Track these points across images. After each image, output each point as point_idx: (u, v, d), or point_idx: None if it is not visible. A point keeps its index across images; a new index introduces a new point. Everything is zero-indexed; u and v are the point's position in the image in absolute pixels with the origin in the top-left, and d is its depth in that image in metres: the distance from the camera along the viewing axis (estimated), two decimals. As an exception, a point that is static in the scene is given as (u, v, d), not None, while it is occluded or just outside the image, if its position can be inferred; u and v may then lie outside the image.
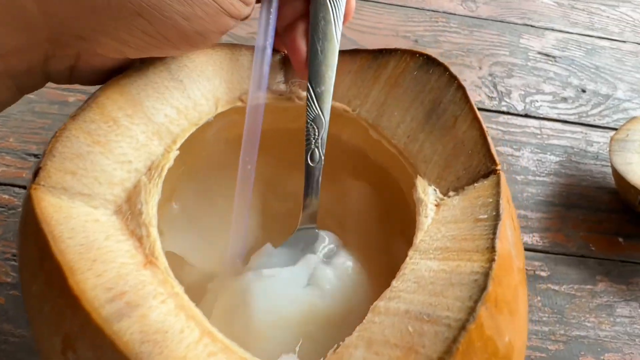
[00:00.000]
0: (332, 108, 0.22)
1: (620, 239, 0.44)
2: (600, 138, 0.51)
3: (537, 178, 0.47)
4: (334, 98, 0.22)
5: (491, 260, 0.15)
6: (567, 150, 0.50)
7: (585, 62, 0.59)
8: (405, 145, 0.21)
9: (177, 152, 0.19)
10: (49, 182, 0.16)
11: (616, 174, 0.42)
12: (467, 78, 0.54)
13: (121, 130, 0.18)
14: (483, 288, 0.14)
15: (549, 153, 0.49)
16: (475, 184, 0.18)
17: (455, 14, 0.60)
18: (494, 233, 0.15)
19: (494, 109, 0.52)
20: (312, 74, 0.21)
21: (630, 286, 0.41)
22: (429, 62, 0.21)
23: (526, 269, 0.41)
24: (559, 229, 0.44)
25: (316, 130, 0.21)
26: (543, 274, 0.41)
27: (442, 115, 0.20)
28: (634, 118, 0.46)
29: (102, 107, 0.18)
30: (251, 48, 0.22)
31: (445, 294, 0.14)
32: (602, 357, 0.37)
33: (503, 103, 0.53)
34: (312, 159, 0.21)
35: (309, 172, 0.21)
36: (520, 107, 0.53)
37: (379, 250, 0.23)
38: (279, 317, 0.17)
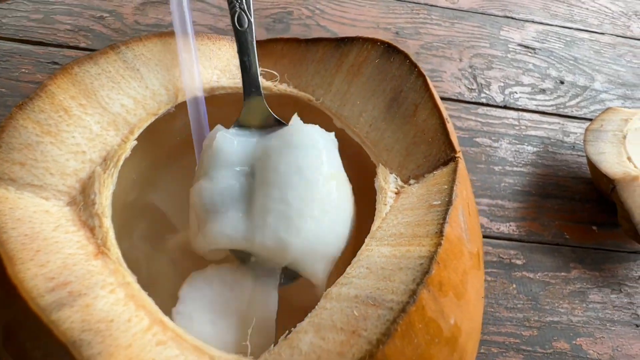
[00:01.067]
0: (297, 98, 0.22)
1: (594, 228, 0.45)
2: (577, 129, 0.52)
3: (515, 168, 0.48)
4: (298, 87, 0.22)
5: (438, 244, 0.15)
6: (544, 141, 0.50)
7: (564, 53, 0.59)
8: (367, 133, 0.20)
9: (135, 142, 0.19)
10: None
11: (590, 163, 0.43)
12: (448, 70, 0.54)
13: (73, 120, 0.17)
14: (426, 271, 0.14)
15: (526, 144, 0.50)
16: (435, 172, 0.18)
17: (436, 6, 0.60)
18: (444, 218, 0.15)
19: (473, 100, 0.52)
20: None
21: (603, 273, 0.42)
22: (390, 50, 0.21)
23: (502, 258, 0.42)
24: (534, 218, 0.45)
25: None
26: (518, 262, 0.42)
27: (403, 104, 0.20)
28: (608, 109, 0.47)
29: (52, 97, 0.17)
30: (213, 37, 0.22)
31: (393, 278, 0.14)
32: (574, 342, 0.38)
33: (482, 95, 0.53)
34: (240, 24, 0.20)
35: (240, 37, 0.21)
36: (499, 99, 0.53)
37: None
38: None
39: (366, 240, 0.17)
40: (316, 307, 0.15)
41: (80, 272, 0.14)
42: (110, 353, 0.13)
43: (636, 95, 0.57)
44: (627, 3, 0.66)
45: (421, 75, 0.20)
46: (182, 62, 0.19)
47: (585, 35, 0.61)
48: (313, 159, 0.18)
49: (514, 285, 0.40)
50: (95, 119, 0.18)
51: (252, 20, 0.20)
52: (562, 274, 0.42)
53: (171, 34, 0.21)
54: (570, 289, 0.41)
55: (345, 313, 0.14)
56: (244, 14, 0.20)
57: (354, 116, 0.21)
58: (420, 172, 0.19)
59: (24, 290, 0.13)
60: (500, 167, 0.47)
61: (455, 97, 0.52)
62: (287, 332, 0.15)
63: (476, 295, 0.17)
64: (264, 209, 0.17)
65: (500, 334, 0.38)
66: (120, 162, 0.18)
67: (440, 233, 0.15)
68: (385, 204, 0.18)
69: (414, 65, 0.20)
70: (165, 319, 0.15)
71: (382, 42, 0.21)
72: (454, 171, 0.17)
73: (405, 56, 0.21)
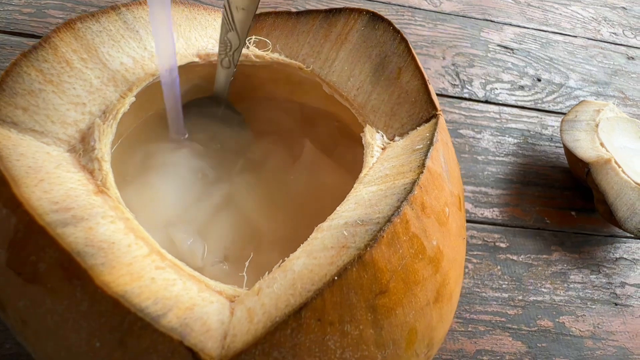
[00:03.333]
0: (288, 67, 0.23)
1: (573, 213, 0.47)
2: (554, 122, 0.55)
3: (497, 158, 0.50)
4: (290, 56, 0.23)
5: (420, 172, 0.16)
6: (524, 133, 0.53)
7: (540, 54, 0.62)
8: (355, 97, 0.22)
9: (134, 98, 0.19)
10: None
11: (567, 150, 0.45)
12: (432, 67, 0.56)
13: (74, 72, 0.18)
14: (409, 191, 0.15)
15: (507, 135, 0.52)
16: (418, 128, 0.20)
17: (420, 9, 0.63)
18: (426, 154, 0.17)
19: (456, 95, 0.55)
20: None
21: (582, 255, 0.44)
22: (375, 18, 0.23)
23: (486, 241, 0.43)
24: (517, 204, 0.46)
25: (230, 45, 0.21)
26: (502, 245, 0.43)
27: (388, 67, 0.21)
28: (582, 101, 0.50)
29: (55, 48, 0.18)
30: (209, 8, 0.23)
31: (379, 204, 0.15)
32: (557, 320, 0.39)
33: (465, 90, 0.56)
34: (222, 65, 0.22)
35: (219, 73, 0.23)
36: (481, 94, 0.56)
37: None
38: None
39: (354, 185, 0.18)
40: (308, 239, 0.16)
41: (82, 202, 0.15)
42: (112, 266, 0.13)
43: (607, 92, 0.60)
44: (597, 9, 0.70)
45: (404, 40, 0.22)
46: (155, 30, 0.20)
47: (560, 37, 0.65)
48: None
49: (499, 267, 0.42)
50: (95, 74, 0.19)
51: (235, 67, 0.23)
52: (544, 256, 0.43)
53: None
54: (552, 270, 0.42)
55: (336, 236, 0.15)
56: (230, 61, 0.22)
57: (342, 81, 0.22)
58: (404, 130, 0.20)
59: (30, 207, 0.13)
60: (483, 157, 0.49)
61: (439, 92, 0.54)
62: (280, 261, 0.16)
63: (457, 231, 0.18)
64: None
65: (486, 313, 0.39)
66: (119, 116, 0.18)
67: (422, 165, 0.16)
68: (372, 157, 0.19)
69: (397, 32, 0.22)
70: (163, 251, 0.15)
71: (368, 11, 0.23)
72: (436, 124, 0.19)
73: (389, 23, 0.22)
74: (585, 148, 0.43)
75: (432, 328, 0.16)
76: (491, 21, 0.65)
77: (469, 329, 0.38)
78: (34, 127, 0.16)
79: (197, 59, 0.22)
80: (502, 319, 0.39)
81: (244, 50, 0.23)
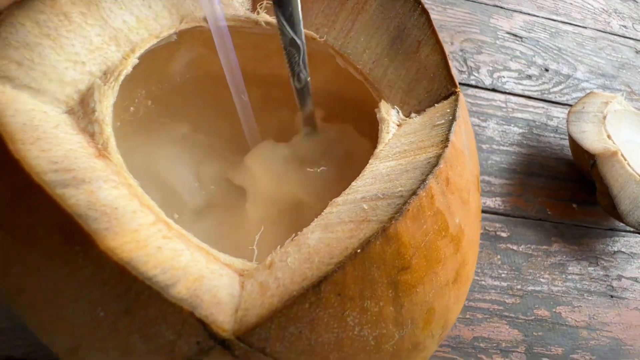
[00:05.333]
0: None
1: (574, 205, 0.47)
2: (559, 114, 0.54)
3: (501, 147, 0.49)
4: (303, 26, 0.22)
5: (444, 147, 0.15)
6: (530, 124, 0.52)
7: (549, 43, 0.61)
8: (370, 70, 0.21)
9: (137, 60, 0.18)
10: None
11: (572, 142, 0.45)
12: (439, 51, 0.55)
13: (73, 27, 0.17)
14: (435, 164, 0.14)
15: (512, 125, 0.52)
16: (436, 105, 0.19)
17: (429, -9, 0.61)
18: (449, 129, 0.16)
19: (463, 82, 0.54)
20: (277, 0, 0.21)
21: (581, 247, 0.44)
22: None
23: (488, 230, 0.43)
24: (519, 195, 0.46)
25: (295, 54, 0.21)
26: (503, 234, 0.43)
27: (406, 40, 0.20)
28: (590, 93, 0.49)
29: None
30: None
31: (400, 179, 0.15)
32: (554, 310, 0.39)
33: (472, 77, 0.55)
34: (298, 81, 0.22)
35: (298, 92, 0.23)
36: (487, 82, 0.55)
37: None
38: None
39: (370, 160, 0.17)
40: (322, 213, 0.15)
41: (83, 165, 0.14)
42: (116, 232, 0.12)
43: (614, 85, 0.60)
44: (608, 1, 0.69)
45: (425, 12, 0.21)
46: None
47: (569, 27, 0.64)
48: None
49: (499, 256, 0.42)
50: (96, 31, 0.18)
51: (308, 78, 0.22)
52: (544, 247, 0.43)
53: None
54: (551, 261, 0.43)
55: (354, 210, 0.14)
56: (301, 73, 0.22)
57: (357, 53, 0.21)
58: (421, 107, 0.19)
59: (27, 165, 0.12)
60: (487, 146, 0.49)
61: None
62: (293, 235, 0.15)
63: (476, 211, 0.17)
64: None
65: (485, 301, 0.39)
66: (121, 77, 0.17)
67: (446, 140, 0.15)
68: (388, 132, 0.18)
69: (418, 3, 0.21)
70: (170, 220, 0.14)
71: None
72: (456, 100, 0.18)
73: None
74: (592, 140, 0.43)
75: (449, 309, 0.15)
76: (501, 7, 0.63)
77: (467, 316, 0.38)
78: (29, 83, 0.15)
79: (204, 24, 0.21)
80: (500, 308, 0.39)
81: (253, 16, 0.22)
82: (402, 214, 0.13)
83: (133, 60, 0.18)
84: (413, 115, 0.19)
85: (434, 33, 0.20)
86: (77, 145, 0.14)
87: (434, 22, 0.66)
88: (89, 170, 0.13)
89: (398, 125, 0.19)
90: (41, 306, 0.13)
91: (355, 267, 0.12)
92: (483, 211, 0.45)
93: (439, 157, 0.15)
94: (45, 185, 0.12)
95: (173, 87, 0.25)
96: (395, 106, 0.20)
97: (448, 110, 0.17)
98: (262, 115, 0.24)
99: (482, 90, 0.53)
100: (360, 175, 0.16)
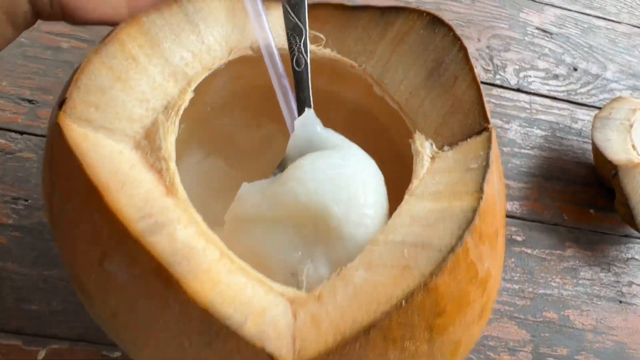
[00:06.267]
0: (339, 63, 0.23)
1: (592, 211, 0.47)
2: (585, 116, 0.54)
3: (522, 150, 0.50)
4: (341, 52, 0.23)
5: (479, 199, 0.17)
6: (553, 126, 0.52)
7: (580, 40, 0.60)
8: (406, 100, 0.22)
9: (192, 94, 0.20)
10: (74, 113, 0.16)
11: (595, 149, 0.45)
12: (466, 49, 0.55)
13: (139, 68, 0.18)
14: (471, 220, 0.16)
15: (535, 127, 0.52)
16: (468, 140, 0.20)
17: (458, -18, 0.59)
18: (484, 178, 0.17)
19: (488, 81, 0.53)
20: None
21: (595, 253, 0.45)
22: (435, 21, 0.22)
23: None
24: (537, 199, 0.47)
25: (296, 38, 0.22)
26: (518, 238, 0.45)
27: (444, 74, 0.21)
28: (618, 97, 0.49)
29: (123, 44, 0.18)
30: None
31: (437, 227, 0.16)
32: (562, 313, 0.41)
33: (497, 76, 0.54)
34: (297, 65, 0.22)
35: (297, 76, 0.23)
36: (513, 82, 0.54)
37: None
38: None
39: (405, 197, 0.19)
40: (364, 249, 0.17)
41: (159, 207, 0.16)
42: (195, 274, 0.14)
43: (644, 87, 0.58)
44: (647, -7, 0.66)
45: (463, 48, 0.21)
46: (251, 14, 0.21)
47: (602, 23, 0.62)
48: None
49: (513, 259, 0.43)
50: (158, 69, 0.19)
51: (309, 61, 0.22)
52: (558, 251, 0.45)
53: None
54: (564, 265, 0.44)
55: (395, 254, 0.16)
56: (301, 56, 0.22)
57: (395, 84, 0.22)
58: (454, 140, 0.21)
59: (122, 216, 0.14)
60: (508, 149, 0.49)
61: (471, 76, 0.53)
62: (338, 269, 0.17)
63: (502, 248, 0.19)
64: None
65: (497, 302, 0.41)
66: (180, 112, 0.19)
67: (481, 190, 0.17)
68: (422, 167, 0.20)
69: (457, 39, 0.22)
70: (231, 254, 0.17)
71: (428, 13, 0.22)
72: (489, 139, 0.19)
73: (450, 28, 0.22)
74: (616, 149, 0.43)
75: (472, 340, 0.17)
76: (532, 0, 0.61)
77: (479, 316, 0.40)
78: (104, 124, 0.17)
79: (250, 52, 0.22)
80: (511, 309, 0.41)
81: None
82: (441, 269, 0.15)
83: (189, 94, 0.20)
84: (446, 148, 0.21)
85: (471, 70, 0.21)
86: (151, 184, 0.16)
87: (462, 17, 0.64)
88: (164, 212, 0.16)
89: (431, 158, 0.20)
90: (134, 331, 0.15)
91: (400, 315, 0.14)
92: (500, 215, 0.46)
93: (474, 211, 0.16)
94: (138, 235, 0.14)
95: (211, 109, 0.26)
96: (429, 138, 0.21)
97: (481, 153, 0.19)
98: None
99: (507, 91, 0.53)
100: (397, 212, 0.18)
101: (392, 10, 0.23)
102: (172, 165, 0.17)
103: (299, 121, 0.22)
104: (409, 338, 0.15)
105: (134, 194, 0.15)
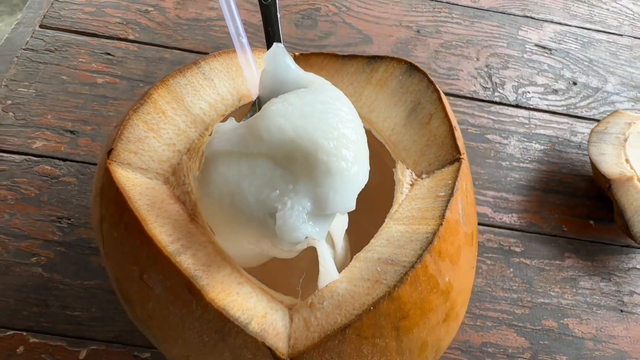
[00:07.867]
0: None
1: (592, 222, 0.49)
2: (584, 129, 0.55)
3: (521, 164, 0.52)
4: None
5: (440, 224, 0.20)
6: (552, 140, 0.54)
7: (580, 55, 0.61)
8: (389, 136, 0.26)
9: (210, 137, 0.24)
10: (118, 159, 0.21)
11: (592, 162, 0.47)
12: (464, 68, 0.58)
13: (167, 120, 0.23)
14: (430, 242, 0.20)
15: (534, 142, 0.54)
16: (443, 169, 0.24)
17: (457, 5, 0.63)
18: (446, 206, 0.21)
19: (487, 99, 0.56)
20: None
21: (595, 263, 0.47)
22: (412, 68, 0.26)
23: (502, 245, 0.47)
24: (536, 211, 0.49)
25: None
26: (517, 249, 0.47)
27: (420, 113, 0.25)
28: (616, 112, 0.50)
29: (155, 102, 0.23)
30: (265, 50, 0.27)
31: (406, 247, 0.20)
32: (561, 321, 0.43)
33: (496, 94, 0.57)
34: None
35: (264, 10, 0.23)
36: (512, 98, 0.57)
37: (368, 221, 0.29)
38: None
39: (386, 220, 0.23)
40: (348, 265, 0.21)
41: (185, 232, 0.20)
42: (212, 285, 0.19)
43: (646, 98, 0.60)
44: (648, 5, 0.67)
45: (436, 90, 0.25)
46: (243, 66, 0.24)
47: (603, 36, 0.64)
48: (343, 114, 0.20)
49: (511, 270, 0.46)
50: (182, 119, 0.24)
51: None
52: (557, 262, 0.46)
53: (235, 50, 0.26)
54: (563, 275, 0.46)
55: (371, 270, 0.20)
56: None
57: (380, 121, 0.26)
58: (431, 169, 0.24)
59: (157, 241, 0.19)
60: (507, 163, 0.52)
61: (469, 95, 0.56)
62: (326, 285, 0.21)
63: (467, 265, 0.22)
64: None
65: (495, 311, 0.43)
66: (200, 152, 0.24)
67: (442, 216, 0.21)
68: (402, 193, 0.24)
69: (430, 82, 0.25)
70: (240, 268, 0.21)
71: (406, 62, 0.26)
72: (458, 169, 0.23)
73: (424, 74, 0.26)
74: (610, 163, 0.45)
75: (440, 339, 0.21)
76: (531, 18, 0.64)
77: (477, 323, 0.42)
78: (141, 165, 0.22)
79: (241, 103, 0.27)
80: (509, 317, 0.43)
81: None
82: (402, 282, 0.19)
83: (207, 138, 0.24)
84: (424, 175, 0.24)
85: (443, 109, 0.25)
86: (178, 214, 0.21)
87: (461, 38, 0.68)
88: (188, 237, 0.20)
89: (410, 185, 0.24)
90: (166, 329, 0.20)
91: (369, 318, 0.18)
92: (499, 227, 0.48)
93: (434, 234, 0.20)
94: (170, 256, 0.19)
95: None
96: (409, 168, 0.25)
97: (449, 182, 0.22)
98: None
99: (506, 107, 0.55)
100: (378, 233, 0.22)
101: (376, 59, 0.27)
102: (193, 196, 0.22)
103: (268, 55, 0.21)
104: (379, 336, 0.18)
105: (165, 222, 0.20)
